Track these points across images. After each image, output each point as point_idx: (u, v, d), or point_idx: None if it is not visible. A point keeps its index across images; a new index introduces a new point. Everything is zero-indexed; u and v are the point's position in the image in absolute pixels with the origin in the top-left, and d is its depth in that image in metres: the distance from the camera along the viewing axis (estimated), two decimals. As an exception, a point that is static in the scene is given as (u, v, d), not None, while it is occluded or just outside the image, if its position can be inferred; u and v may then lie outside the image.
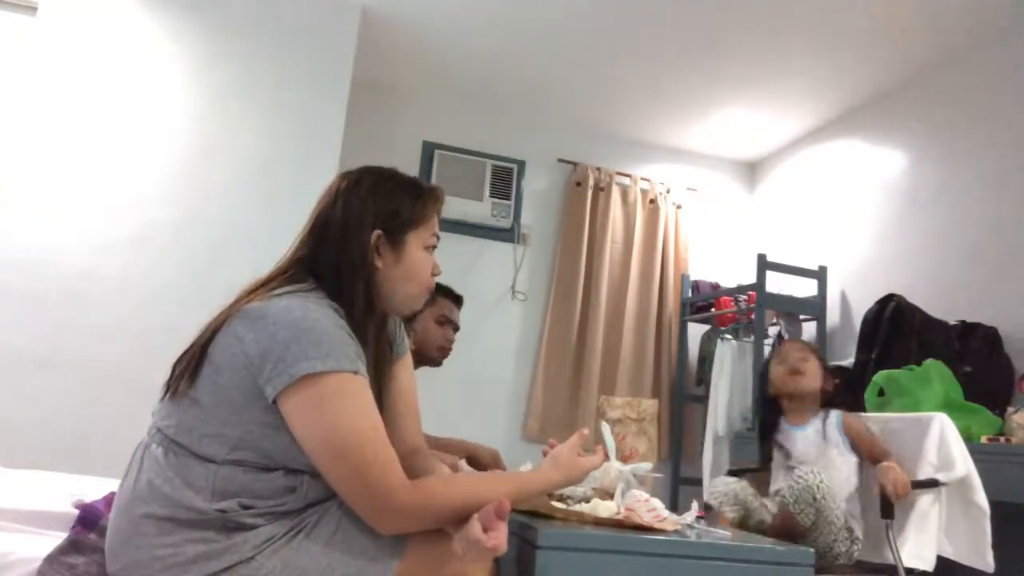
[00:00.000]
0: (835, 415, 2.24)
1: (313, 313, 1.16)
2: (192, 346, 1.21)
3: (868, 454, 2.16)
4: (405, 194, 1.34)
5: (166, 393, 1.20)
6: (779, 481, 2.20)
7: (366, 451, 1.11)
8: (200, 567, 1.09)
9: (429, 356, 2.30)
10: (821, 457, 2.15)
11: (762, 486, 2.30)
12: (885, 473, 1.97)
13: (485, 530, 1.07)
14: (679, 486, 4.09)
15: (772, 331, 3.96)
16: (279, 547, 1.12)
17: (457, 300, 2.37)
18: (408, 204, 1.32)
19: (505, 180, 4.29)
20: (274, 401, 1.12)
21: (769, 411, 2.36)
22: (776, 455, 2.27)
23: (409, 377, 1.46)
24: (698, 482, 3.85)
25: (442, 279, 2.35)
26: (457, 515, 1.13)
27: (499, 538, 1.06)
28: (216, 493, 1.12)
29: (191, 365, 1.17)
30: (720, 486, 2.18)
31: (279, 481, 1.16)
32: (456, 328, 2.37)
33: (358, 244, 1.26)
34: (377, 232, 1.28)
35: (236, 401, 1.14)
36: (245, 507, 1.13)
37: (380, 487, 1.10)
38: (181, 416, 1.17)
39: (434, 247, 1.37)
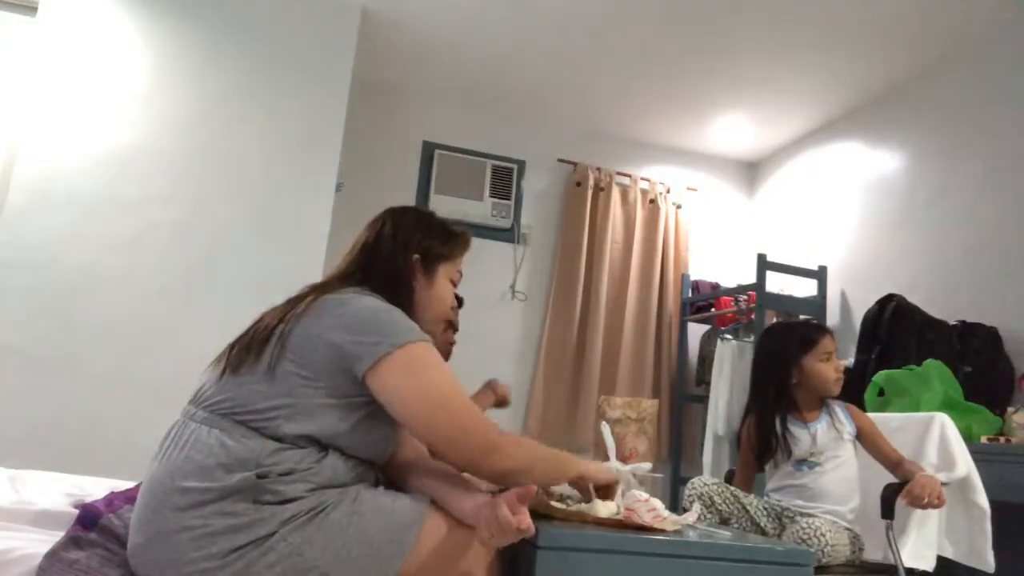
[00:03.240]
0: (840, 406, 2.18)
1: (388, 305, 1.35)
2: (256, 329, 1.32)
3: (874, 449, 2.11)
4: (441, 233, 1.54)
5: (223, 372, 1.29)
6: (783, 479, 2.16)
7: (461, 399, 1.28)
8: (228, 539, 1.14)
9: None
10: (837, 450, 2.10)
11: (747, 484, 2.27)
12: (924, 484, 1.86)
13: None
14: (679, 486, 4.08)
15: (772, 331, 3.96)
16: (302, 524, 1.17)
17: (458, 302, 2.37)
18: (442, 241, 1.53)
19: (505, 180, 4.29)
20: (363, 376, 1.24)
21: (777, 404, 2.17)
22: (780, 453, 2.14)
23: None
24: (698, 482, 3.86)
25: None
26: (530, 467, 1.31)
27: (526, 519, 1.16)
28: (259, 465, 1.19)
29: (257, 345, 1.28)
30: (696, 487, 2.12)
31: (313, 455, 1.24)
32: (456, 329, 2.36)
33: (403, 265, 1.46)
34: (416, 257, 1.48)
35: (307, 375, 1.24)
36: (282, 474, 1.19)
37: (478, 427, 1.27)
38: (237, 391, 1.25)
39: (456, 284, 1.57)
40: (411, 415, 1.26)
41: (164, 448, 1.25)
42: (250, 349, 1.28)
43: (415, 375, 1.26)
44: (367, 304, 1.32)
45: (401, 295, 1.42)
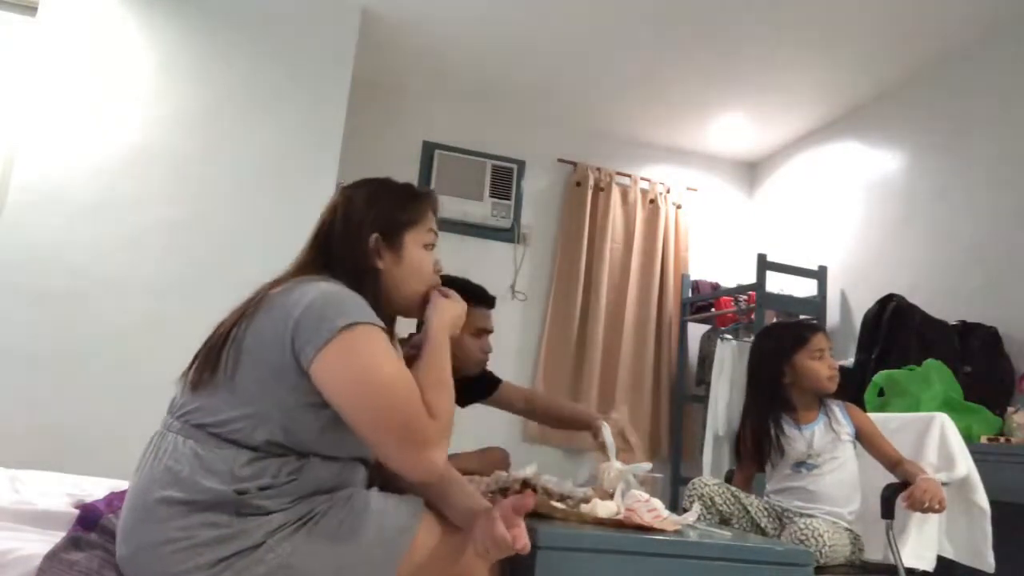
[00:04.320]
0: (839, 406, 2.18)
1: (341, 288, 1.25)
2: (214, 335, 1.26)
3: (874, 449, 2.11)
4: (399, 198, 1.41)
5: (188, 379, 1.24)
6: (782, 481, 2.16)
7: (399, 392, 1.16)
8: (213, 550, 1.11)
9: (469, 371, 2.14)
10: (836, 452, 2.10)
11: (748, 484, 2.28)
12: (926, 489, 1.86)
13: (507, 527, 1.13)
14: (679, 486, 4.08)
15: (772, 331, 3.96)
16: (290, 533, 1.14)
17: (490, 303, 2.20)
18: (402, 207, 1.40)
19: (505, 180, 4.29)
20: (308, 369, 1.16)
21: (772, 405, 2.18)
22: (774, 455, 2.16)
23: None
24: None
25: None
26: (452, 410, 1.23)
27: (522, 536, 1.12)
28: (234, 476, 1.15)
29: (215, 352, 1.22)
30: (697, 487, 2.12)
31: (292, 464, 1.19)
32: (490, 332, 2.19)
33: (360, 248, 1.34)
34: (375, 235, 1.35)
35: (266, 377, 1.18)
36: (262, 488, 1.16)
37: (415, 426, 1.15)
38: (205, 401, 1.20)
39: (432, 245, 1.42)
40: (345, 405, 1.16)
41: (144, 458, 1.21)
42: (208, 358, 1.22)
43: (353, 359, 1.15)
44: (313, 290, 1.22)
45: (367, 280, 1.32)
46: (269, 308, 1.22)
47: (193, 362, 1.25)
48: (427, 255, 1.41)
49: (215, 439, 1.17)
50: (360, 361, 1.16)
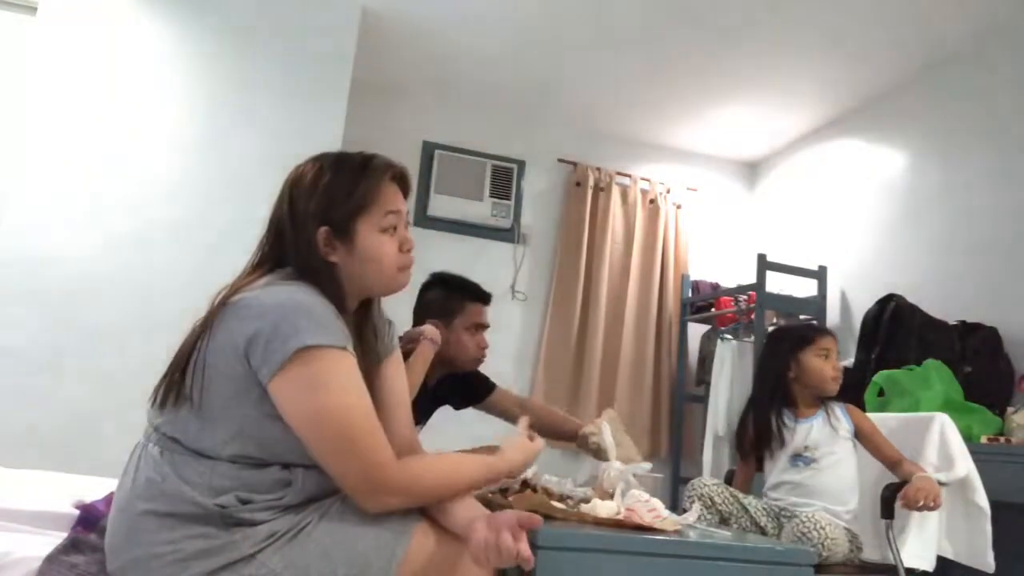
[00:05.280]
0: (839, 406, 2.21)
1: (298, 294, 1.18)
2: (178, 352, 1.22)
3: (874, 448, 2.12)
4: (345, 183, 1.28)
5: (157, 397, 1.21)
6: (779, 475, 2.17)
7: (355, 426, 1.13)
8: (201, 563, 1.09)
9: (465, 367, 2.18)
10: (833, 447, 2.11)
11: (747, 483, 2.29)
12: (920, 487, 1.89)
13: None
14: (679, 486, 4.08)
15: (772, 331, 3.96)
16: (281, 545, 1.12)
17: (485, 299, 2.23)
18: (349, 192, 1.27)
19: (505, 180, 4.29)
20: (266, 388, 1.12)
21: (775, 397, 2.22)
22: (774, 443, 2.19)
23: (399, 376, 1.43)
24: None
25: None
26: (435, 496, 1.21)
27: (527, 549, 1.09)
28: (213, 489, 1.12)
29: (179, 369, 1.19)
30: (697, 487, 2.13)
31: (275, 475, 1.16)
32: (486, 327, 2.21)
33: (309, 244, 1.25)
34: (323, 229, 1.25)
35: (231, 393, 1.15)
36: (243, 501, 1.13)
37: (368, 462, 1.13)
38: (176, 414, 1.18)
39: (393, 228, 1.30)
40: (301, 433, 1.13)
41: (127, 470, 1.19)
42: (173, 376, 1.19)
43: (309, 389, 1.12)
44: (269, 300, 1.16)
45: (322, 276, 1.24)
46: (228, 321, 1.16)
47: (161, 379, 1.22)
48: (386, 240, 1.29)
49: (190, 452, 1.15)
50: (311, 392, 1.12)
